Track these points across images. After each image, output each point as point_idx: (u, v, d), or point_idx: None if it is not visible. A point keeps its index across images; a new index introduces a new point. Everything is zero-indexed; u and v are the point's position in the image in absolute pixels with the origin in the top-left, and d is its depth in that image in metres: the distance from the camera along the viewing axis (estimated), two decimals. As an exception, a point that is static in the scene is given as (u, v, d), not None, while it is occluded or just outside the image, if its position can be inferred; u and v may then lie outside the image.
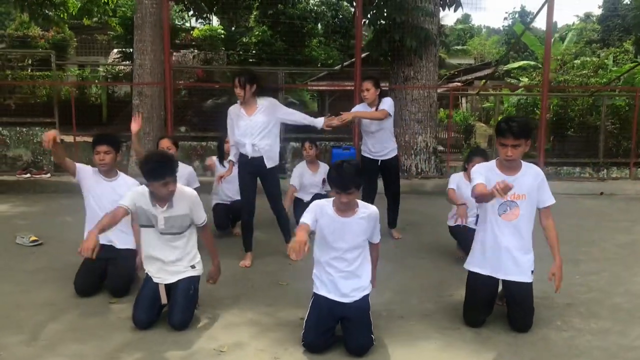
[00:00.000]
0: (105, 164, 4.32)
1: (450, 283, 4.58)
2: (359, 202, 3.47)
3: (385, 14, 9.03)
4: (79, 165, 4.43)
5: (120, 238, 4.42)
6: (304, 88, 20.21)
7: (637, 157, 10.98)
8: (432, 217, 7.02)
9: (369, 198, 5.90)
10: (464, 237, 5.16)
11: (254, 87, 4.97)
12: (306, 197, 6.36)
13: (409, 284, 4.60)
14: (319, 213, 3.40)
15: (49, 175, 8.85)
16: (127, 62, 19.52)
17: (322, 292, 3.47)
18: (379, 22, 9.20)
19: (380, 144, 5.92)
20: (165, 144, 5.44)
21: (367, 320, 3.40)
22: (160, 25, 8.95)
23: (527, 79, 19.53)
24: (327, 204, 3.45)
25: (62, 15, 17.82)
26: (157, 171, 3.48)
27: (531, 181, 3.56)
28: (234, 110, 5.12)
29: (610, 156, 12.28)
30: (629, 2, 30.12)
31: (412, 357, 3.32)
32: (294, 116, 5.27)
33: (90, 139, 11.46)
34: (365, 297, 3.47)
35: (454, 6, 9.65)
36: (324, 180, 6.35)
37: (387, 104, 5.75)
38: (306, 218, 3.33)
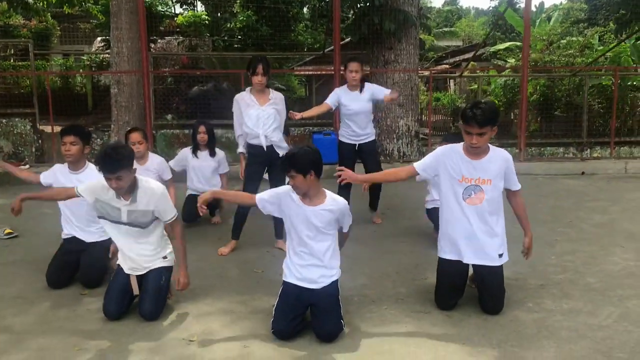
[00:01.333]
0: (70, 154, 4.26)
1: (426, 267, 4.57)
2: (329, 193, 3.45)
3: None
4: (41, 175, 4.48)
5: (87, 235, 4.38)
6: (292, 73, 20.05)
7: (617, 136, 11.02)
8: (412, 201, 6.99)
9: (346, 185, 5.87)
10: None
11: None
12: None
13: (385, 269, 4.59)
14: (283, 198, 3.47)
15: (27, 166, 8.75)
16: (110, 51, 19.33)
17: (291, 279, 3.46)
18: (358, 5, 9.11)
19: (360, 128, 5.88)
20: (135, 137, 5.25)
21: (336, 306, 3.39)
22: (137, 11, 8.84)
23: (513, 60, 19.51)
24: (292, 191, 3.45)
25: (41, 4, 17.61)
26: (102, 164, 3.41)
27: (497, 167, 3.54)
28: (244, 97, 4.94)
29: (597, 136, 12.33)
30: (614, -19, 30.06)
31: (382, 341, 3.31)
32: (282, 117, 5.17)
33: None
34: (334, 283, 3.45)
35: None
36: None
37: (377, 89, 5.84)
38: (262, 194, 3.58)
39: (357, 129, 5.86)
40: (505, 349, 3.19)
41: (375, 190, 6.09)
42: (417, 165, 3.73)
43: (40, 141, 11.32)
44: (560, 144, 11.98)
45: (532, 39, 19.32)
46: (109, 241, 4.23)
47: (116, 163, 3.39)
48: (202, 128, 6.12)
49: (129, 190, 3.58)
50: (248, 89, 4.94)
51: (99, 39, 23.10)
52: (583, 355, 3.10)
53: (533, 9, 23.85)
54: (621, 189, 7.73)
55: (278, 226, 5.13)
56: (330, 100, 5.73)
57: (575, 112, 13.34)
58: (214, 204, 6.16)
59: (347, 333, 3.39)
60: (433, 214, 5.27)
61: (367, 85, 5.77)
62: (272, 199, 3.51)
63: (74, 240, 4.37)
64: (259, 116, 4.89)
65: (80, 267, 4.28)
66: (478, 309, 3.71)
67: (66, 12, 20.73)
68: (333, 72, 8.59)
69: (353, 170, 6.03)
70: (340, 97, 5.73)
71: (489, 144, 3.58)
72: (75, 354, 3.20)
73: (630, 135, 12.55)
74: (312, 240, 3.38)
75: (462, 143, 3.68)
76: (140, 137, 5.30)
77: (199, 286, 4.21)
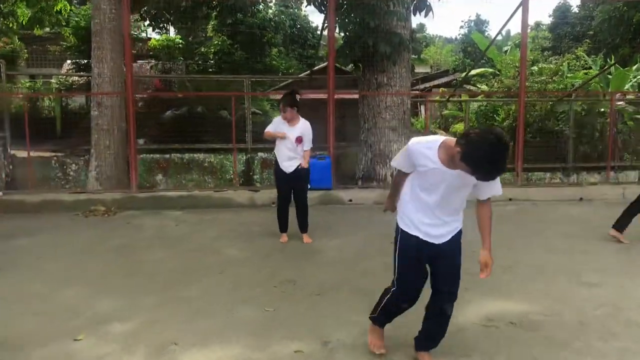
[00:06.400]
0: None
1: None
2: None
3: (357, 19, 8.69)
4: None
5: None
6: (264, 98, 19.77)
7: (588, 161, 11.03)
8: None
9: None
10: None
11: None
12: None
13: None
14: (418, 159, 3.01)
15: (1, 193, 8.16)
16: (82, 73, 18.88)
17: (413, 231, 3.14)
18: (349, 28, 8.85)
19: None
20: None
21: (459, 261, 3.20)
22: (120, 32, 8.42)
23: (486, 87, 19.66)
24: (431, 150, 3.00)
25: (11, 25, 17.07)
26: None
27: None
28: None
29: (577, 161, 12.36)
30: (577, 11, 31.08)
31: None
32: None
33: (45, 154, 10.82)
34: (458, 233, 3.18)
35: (424, 11, 9.36)
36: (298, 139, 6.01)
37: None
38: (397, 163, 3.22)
39: None
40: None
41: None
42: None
43: (11, 167, 10.70)
44: (547, 169, 11.95)
45: (505, 65, 19.60)
46: None
47: None
48: None
49: None
50: None
51: (68, 61, 22.58)
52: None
53: (499, 37, 24.20)
54: (624, 215, 7.54)
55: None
56: None
57: (548, 138, 13.41)
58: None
59: None
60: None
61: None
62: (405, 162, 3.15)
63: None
64: None
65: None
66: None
67: (36, 34, 20.19)
68: (326, 97, 8.27)
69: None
70: None
71: None
72: None
73: (601, 160, 12.56)
74: (447, 201, 3.06)
75: None
76: None
77: (206, 327, 3.78)
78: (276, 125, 6.02)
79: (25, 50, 23.91)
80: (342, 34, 9.01)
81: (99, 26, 8.28)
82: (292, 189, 6.10)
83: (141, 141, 13.07)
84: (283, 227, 6.19)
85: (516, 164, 8.73)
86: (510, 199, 8.33)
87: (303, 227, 6.22)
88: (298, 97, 5.97)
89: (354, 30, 8.74)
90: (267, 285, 4.67)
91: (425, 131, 11.36)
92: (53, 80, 21.08)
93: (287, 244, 6.03)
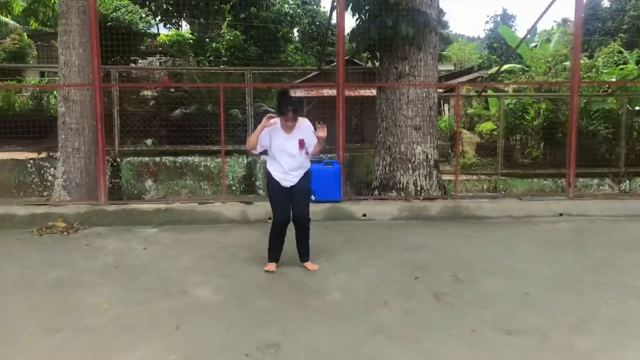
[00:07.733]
0: None
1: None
2: None
3: (372, -4, 7.26)
4: None
5: None
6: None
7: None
8: (449, 255, 5.18)
9: None
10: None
11: None
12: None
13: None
14: None
15: (-59, 206, 6.89)
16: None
17: None
18: (366, 7, 7.40)
19: None
20: None
21: None
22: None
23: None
24: None
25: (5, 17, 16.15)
26: None
27: None
28: None
29: (607, 163, 10.94)
30: (609, 5, 29.58)
31: None
32: None
33: (19, 157, 9.67)
34: None
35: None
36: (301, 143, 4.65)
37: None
38: None
39: None
40: None
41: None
42: None
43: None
44: (595, 175, 10.43)
45: (535, 60, 18.17)
46: None
47: None
48: None
49: None
50: None
51: (75, 57, 21.65)
52: None
53: (524, 31, 22.73)
54: None
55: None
56: None
57: (581, 138, 12.02)
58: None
59: None
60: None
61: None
62: None
63: None
64: None
65: None
66: None
67: (35, 29, 19.28)
68: (335, 93, 6.89)
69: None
70: None
71: None
72: None
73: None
74: None
75: None
76: None
77: None
78: (267, 136, 4.64)
79: (34, 47, 23.24)
80: (356, 16, 7.53)
81: (65, 6, 6.95)
82: (291, 205, 4.73)
83: (149, 142, 11.88)
84: (274, 255, 4.81)
85: (568, 170, 7.19)
86: (560, 215, 6.81)
87: (304, 254, 4.86)
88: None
89: (369, 9, 7.29)
90: (237, 352, 3.25)
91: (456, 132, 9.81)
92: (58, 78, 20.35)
93: (278, 277, 4.62)
